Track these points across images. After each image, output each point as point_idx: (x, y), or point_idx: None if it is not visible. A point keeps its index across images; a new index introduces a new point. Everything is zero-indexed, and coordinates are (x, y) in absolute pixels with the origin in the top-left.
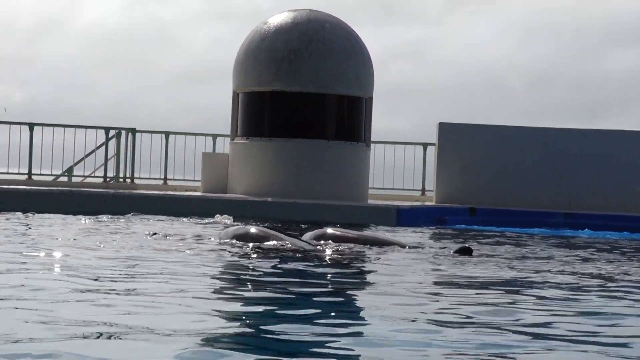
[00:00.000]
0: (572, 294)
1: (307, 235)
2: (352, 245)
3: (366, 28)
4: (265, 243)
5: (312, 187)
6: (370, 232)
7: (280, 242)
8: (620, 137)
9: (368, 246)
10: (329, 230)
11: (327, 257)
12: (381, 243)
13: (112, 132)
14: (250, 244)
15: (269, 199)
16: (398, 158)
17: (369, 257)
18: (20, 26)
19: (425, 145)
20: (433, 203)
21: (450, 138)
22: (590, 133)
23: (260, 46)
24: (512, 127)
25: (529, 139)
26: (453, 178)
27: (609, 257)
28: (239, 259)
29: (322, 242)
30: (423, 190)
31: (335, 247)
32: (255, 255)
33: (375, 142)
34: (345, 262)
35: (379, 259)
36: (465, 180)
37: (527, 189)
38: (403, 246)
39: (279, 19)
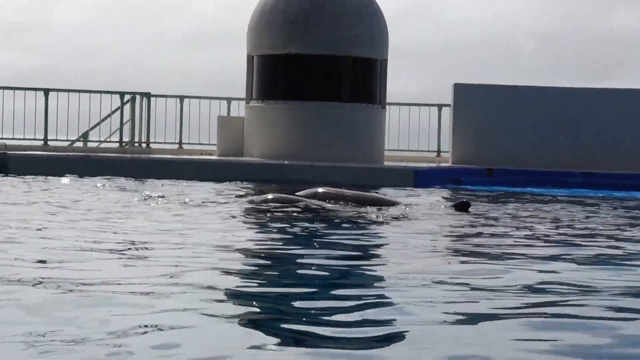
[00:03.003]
0: (562, 252)
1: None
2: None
3: None
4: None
5: (327, 149)
6: (363, 192)
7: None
8: (636, 96)
9: (365, 205)
10: (321, 190)
11: (341, 217)
12: (376, 202)
13: (126, 97)
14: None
15: (285, 162)
16: (413, 119)
17: (375, 218)
18: None
19: (440, 107)
20: (449, 164)
21: (466, 99)
22: (605, 92)
23: (275, 8)
24: (527, 87)
25: (544, 98)
26: (469, 139)
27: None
28: (282, 225)
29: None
30: (438, 151)
31: (354, 209)
32: (282, 220)
33: (390, 104)
34: (352, 222)
35: (391, 218)
36: (482, 141)
37: (543, 148)
38: (398, 204)
39: None
